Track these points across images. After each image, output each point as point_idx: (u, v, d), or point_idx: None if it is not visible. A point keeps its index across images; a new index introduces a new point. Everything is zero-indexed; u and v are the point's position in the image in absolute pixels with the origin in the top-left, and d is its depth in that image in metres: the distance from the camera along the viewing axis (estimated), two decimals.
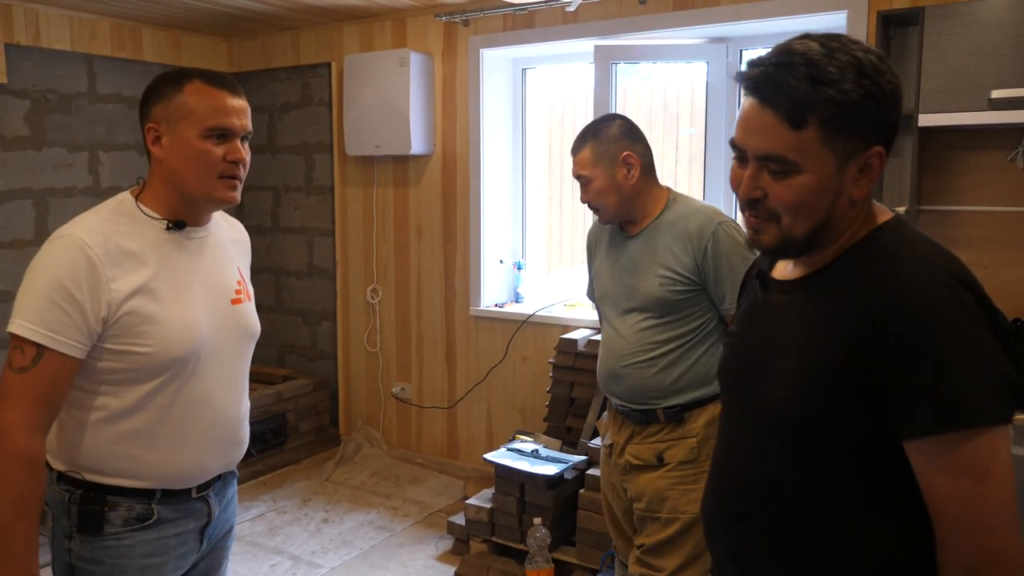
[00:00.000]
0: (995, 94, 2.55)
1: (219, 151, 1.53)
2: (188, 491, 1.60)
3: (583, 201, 2.21)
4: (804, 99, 1.03)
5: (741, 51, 3.49)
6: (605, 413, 2.43)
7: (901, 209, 2.80)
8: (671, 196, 2.22)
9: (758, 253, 1.22)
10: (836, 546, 1.08)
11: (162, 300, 1.51)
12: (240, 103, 1.56)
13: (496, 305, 4.12)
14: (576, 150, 2.19)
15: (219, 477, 1.68)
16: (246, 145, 1.59)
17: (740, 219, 1.36)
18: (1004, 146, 2.81)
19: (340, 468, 4.27)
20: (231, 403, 1.65)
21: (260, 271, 4.88)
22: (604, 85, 3.59)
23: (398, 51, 3.97)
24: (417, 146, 4.00)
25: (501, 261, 4.16)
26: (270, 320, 4.91)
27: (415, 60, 3.95)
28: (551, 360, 3.51)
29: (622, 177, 2.15)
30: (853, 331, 1.02)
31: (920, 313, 0.98)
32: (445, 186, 4.15)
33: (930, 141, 2.88)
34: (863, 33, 2.97)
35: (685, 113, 3.93)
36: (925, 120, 2.68)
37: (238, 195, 1.59)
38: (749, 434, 1.18)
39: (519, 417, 4.04)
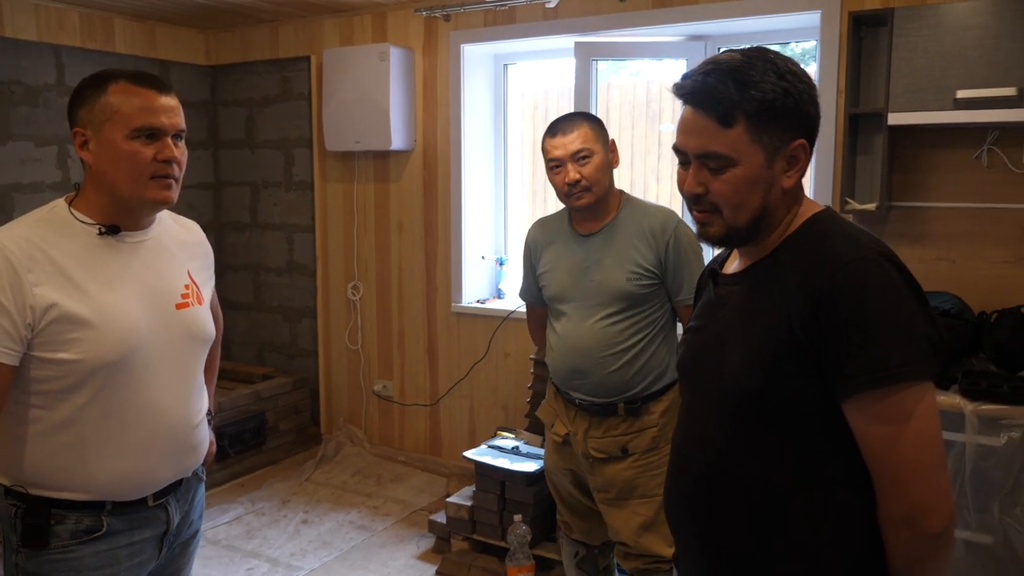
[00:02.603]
0: (960, 94, 2.75)
1: (149, 151, 1.55)
2: (144, 500, 1.64)
3: (571, 181, 2.31)
4: (731, 100, 1.23)
5: (719, 49, 3.68)
6: (544, 402, 2.63)
7: (872, 205, 3.01)
8: (625, 197, 2.44)
9: (710, 247, 1.43)
10: (793, 514, 1.25)
11: (91, 306, 1.53)
12: (169, 101, 1.58)
13: (478, 301, 4.32)
14: (571, 128, 2.34)
15: (180, 483, 1.73)
16: (181, 144, 1.61)
17: (689, 219, 1.57)
18: (970, 144, 3.02)
19: (320, 468, 4.46)
20: (179, 409, 1.67)
21: (238, 268, 5.07)
22: (584, 81, 3.78)
23: (378, 45, 4.16)
24: (397, 141, 4.19)
25: (483, 257, 4.36)
26: (249, 318, 5.09)
27: (395, 55, 4.13)
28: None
29: (611, 161, 2.37)
30: (794, 304, 1.21)
31: (851, 283, 1.17)
32: (426, 182, 4.34)
33: (900, 139, 3.09)
34: (835, 33, 3.18)
35: (667, 109, 4.13)
36: (894, 119, 2.88)
37: (174, 195, 1.60)
38: (705, 415, 1.37)
39: (501, 413, 4.23)
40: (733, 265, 1.42)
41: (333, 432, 4.77)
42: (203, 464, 1.86)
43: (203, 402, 1.80)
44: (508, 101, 4.39)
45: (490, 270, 4.42)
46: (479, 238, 4.34)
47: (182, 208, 4.67)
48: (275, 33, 4.71)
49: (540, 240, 2.56)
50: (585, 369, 2.36)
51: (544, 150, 2.39)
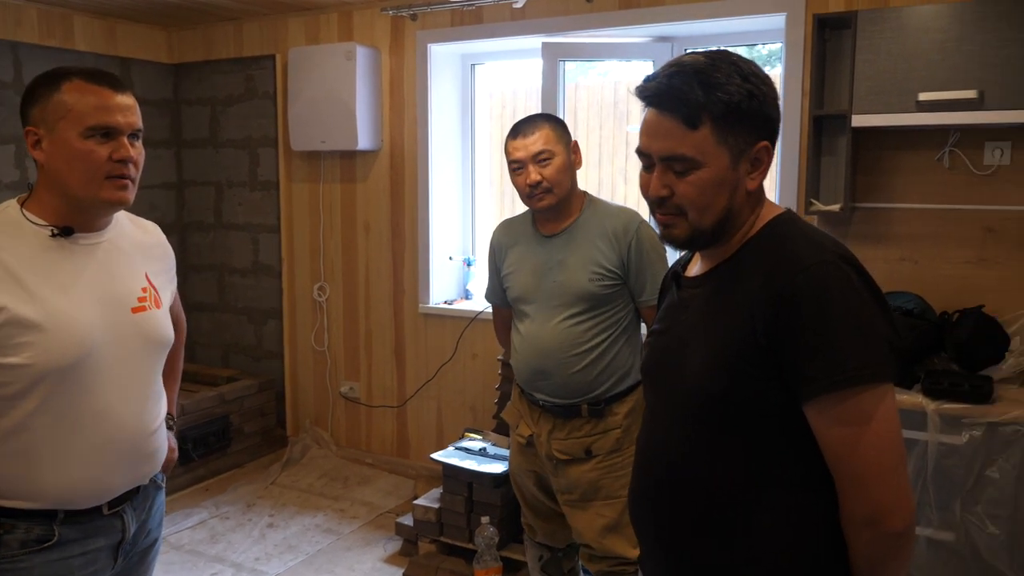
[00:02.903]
0: (922, 96, 2.79)
1: (103, 150, 1.52)
2: (98, 509, 1.60)
3: (532, 182, 2.32)
4: (697, 102, 1.23)
5: (685, 50, 3.70)
6: (509, 403, 2.63)
7: (836, 206, 3.04)
8: (588, 198, 2.44)
9: (674, 250, 1.42)
10: (755, 516, 1.25)
11: (42, 309, 1.49)
12: (125, 100, 1.56)
13: (445, 302, 4.30)
14: (532, 129, 2.35)
15: (138, 490, 1.70)
16: (137, 143, 1.58)
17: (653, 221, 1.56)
18: (932, 146, 3.06)
19: (287, 471, 4.42)
20: (134, 416, 1.64)
21: (203, 269, 5.00)
22: (552, 82, 3.77)
23: (344, 44, 4.12)
24: (364, 141, 4.16)
25: (451, 258, 4.34)
26: (214, 319, 5.03)
27: (362, 54, 4.10)
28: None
29: (573, 162, 2.37)
30: (755, 307, 1.21)
31: (811, 286, 1.17)
32: (393, 182, 4.31)
33: (863, 141, 3.12)
34: (800, 35, 3.21)
35: (635, 110, 4.15)
36: (858, 120, 2.91)
37: (130, 196, 1.58)
38: (668, 417, 1.37)
39: (469, 415, 4.22)
40: (695, 268, 1.42)
41: (299, 434, 4.73)
42: (162, 471, 1.82)
43: (160, 408, 1.76)
44: (475, 101, 4.37)
45: (458, 271, 4.40)
46: (446, 239, 4.32)
47: (144, 208, 4.68)
48: (239, 31, 4.65)
49: (504, 242, 2.56)
50: (548, 370, 2.36)
51: (506, 152, 2.39)
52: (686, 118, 1.24)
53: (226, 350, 5.03)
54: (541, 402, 2.42)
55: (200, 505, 4.01)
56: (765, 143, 1.28)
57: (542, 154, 2.32)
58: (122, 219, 1.73)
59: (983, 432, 2.54)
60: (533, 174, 2.32)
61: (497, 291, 2.61)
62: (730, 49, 1.36)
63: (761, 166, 1.29)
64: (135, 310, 1.66)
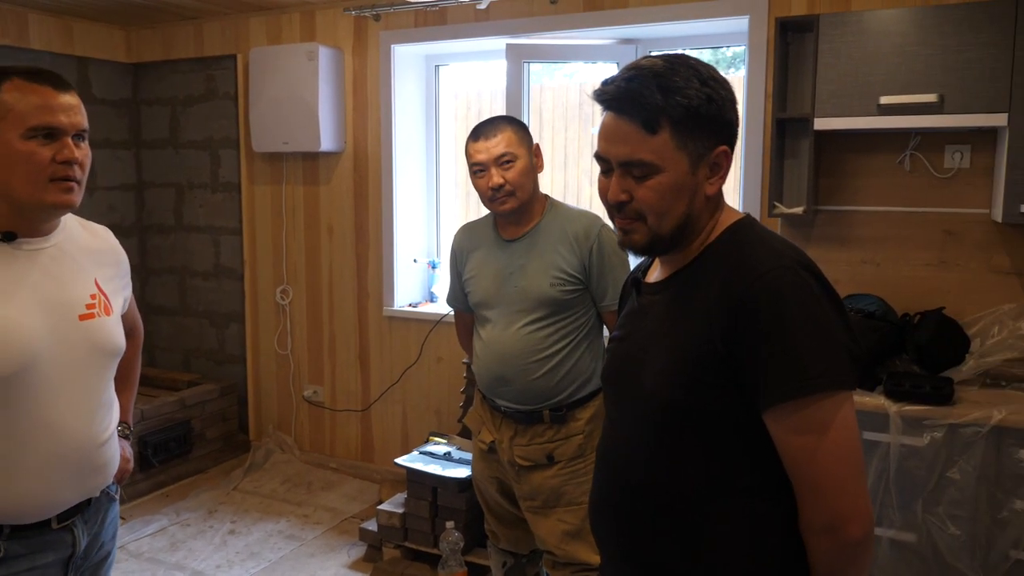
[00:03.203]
0: (883, 100, 2.81)
1: (47, 152, 1.48)
2: (47, 523, 1.56)
3: (494, 185, 2.30)
4: (657, 106, 1.21)
5: (650, 52, 3.70)
6: (471, 409, 2.61)
7: (799, 209, 3.05)
8: (549, 202, 2.42)
9: (634, 255, 1.41)
10: (714, 524, 1.24)
11: None
12: (69, 99, 1.51)
13: (410, 305, 4.26)
14: (493, 132, 2.32)
15: (89, 503, 1.65)
16: (83, 144, 1.54)
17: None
18: (893, 149, 3.08)
19: (249, 476, 4.36)
20: (82, 427, 1.59)
21: (163, 272, 4.91)
22: (516, 83, 3.75)
23: (306, 44, 4.07)
24: (327, 143, 4.11)
25: (415, 260, 4.30)
26: (175, 323, 4.95)
27: (324, 54, 4.05)
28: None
29: (535, 165, 2.35)
30: (714, 314, 1.20)
31: (769, 293, 1.16)
32: (356, 184, 4.27)
33: (825, 144, 3.14)
34: (763, 38, 3.22)
35: (600, 112, 4.13)
36: (820, 124, 2.92)
37: (76, 198, 1.53)
38: (628, 425, 1.35)
39: (434, 418, 4.19)
40: (655, 274, 1.40)
41: (262, 439, 4.66)
42: (115, 481, 1.77)
43: (112, 417, 1.71)
44: (440, 103, 4.34)
45: (422, 273, 4.36)
46: (411, 241, 4.29)
47: (103, 210, 4.60)
48: (200, 30, 4.58)
49: (465, 245, 2.54)
50: (509, 376, 2.34)
51: (467, 154, 2.37)
52: (645, 122, 1.22)
53: (187, 354, 4.95)
54: (503, 408, 2.40)
55: (160, 512, 3.94)
56: (724, 148, 1.26)
57: (504, 157, 2.30)
58: (71, 223, 1.68)
59: (944, 434, 2.56)
60: (495, 177, 2.30)
61: (458, 296, 2.58)
62: (695, 52, 1.35)
63: (720, 171, 1.28)
64: (83, 317, 1.60)
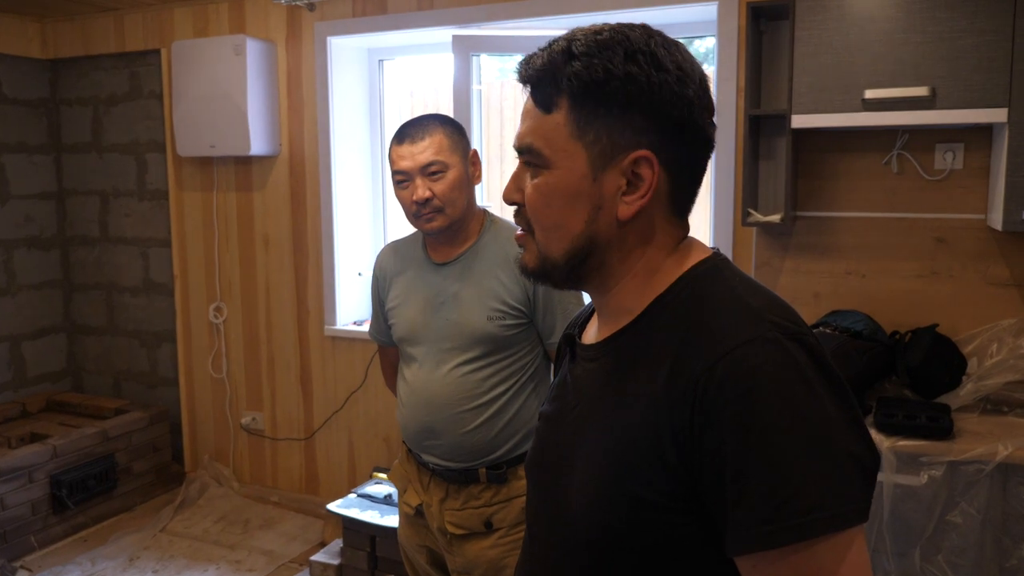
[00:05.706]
0: (868, 94, 2.52)
1: None
2: None
3: (419, 199, 1.93)
4: (554, 76, 0.92)
5: None
6: (395, 463, 2.25)
7: (776, 217, 2.77)
8: (488, 218, 2.08)
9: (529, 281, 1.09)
10: None
11: None
12: None
13: (354, 323, 3.94)
14: (421, 135, 1.96)
15: None
16: None
17: None
18: (879, 149, 2.81)
19: (180, 514, 4.00)
20: None
21: (89, 288, 4.54)
22: (465, 78, 3.44)
23: (233, 37, 3.73)
24: (258, 146, 3.77)
25: (359, 273, 3.98)
26: (102, 343, 4.58)
27: (253, 48, 3.71)
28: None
29: (470, 176, 2.02)
30: (662, 405, 0.85)
31: (739, 378, 0.81)
32: (294, 190, 3.93)
33: (804, 143, 2.86)
34: (734, 26, 2.93)
35: None
36: (798, 121, 2.63)
37: None
38: (552, 546, 1.01)
39: (383, 447, 3.87)
40: (592, 331, 1.06)
41: (198, 471, 4.31)
42: None
43: None
44: (385, 100, 4.02)
45: (367, 288, 4.03)
46: (354, 252, 3.96)
47: (20, 221, 4.23)
48: (120, 23, 4.22)
49: (389, 268, 2.16)
50: (439, 427, 1.98)
51: (390, 160, 1.99)
52: (542, 98, 0.94)
53: (117, 377, 4.58)
54: (431, 465, 2.03)
55: (73, 561, 3.56)
56: (646, 153, 0.91)
57: (432, 165, 1.94)
58: None
59: (943, 472, 2.29)
60: (421, 189, 1.94)
61: (381, 327, 2.21)
62: None
63: (639, 188, 0.92)
64: None
